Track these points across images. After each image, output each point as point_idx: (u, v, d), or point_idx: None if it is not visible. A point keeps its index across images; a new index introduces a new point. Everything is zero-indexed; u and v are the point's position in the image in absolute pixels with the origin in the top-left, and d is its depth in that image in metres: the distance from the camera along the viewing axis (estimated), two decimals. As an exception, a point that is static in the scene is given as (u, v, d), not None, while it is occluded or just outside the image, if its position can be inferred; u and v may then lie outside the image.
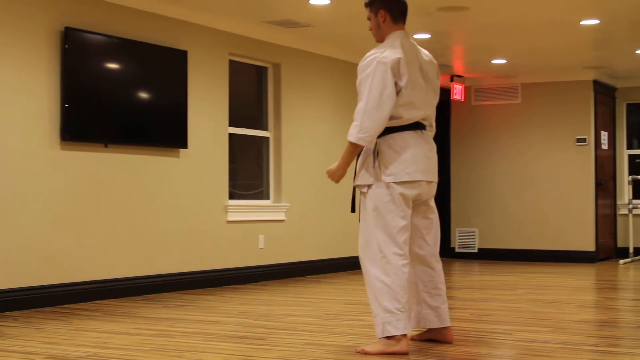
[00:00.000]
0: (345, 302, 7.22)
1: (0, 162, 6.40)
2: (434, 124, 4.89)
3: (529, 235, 12.16)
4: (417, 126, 4.68)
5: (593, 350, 4.79)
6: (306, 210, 9.56)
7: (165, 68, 7.83)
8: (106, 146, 7.22)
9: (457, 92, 12.11)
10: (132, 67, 7.51)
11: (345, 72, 10.28)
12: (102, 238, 7.16)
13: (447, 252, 12.69)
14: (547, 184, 12.08)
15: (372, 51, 4.67)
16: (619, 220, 12.66)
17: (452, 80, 12.03)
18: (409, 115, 4.62)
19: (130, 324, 5.70)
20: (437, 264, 4.93)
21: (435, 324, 4.84)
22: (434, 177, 4.76)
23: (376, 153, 4.59)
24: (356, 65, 10.69)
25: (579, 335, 5.29)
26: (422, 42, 9.58)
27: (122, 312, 6.34)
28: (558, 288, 8.44)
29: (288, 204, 9.27)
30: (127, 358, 4.51)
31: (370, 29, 4.80)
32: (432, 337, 4.92)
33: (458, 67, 11.55)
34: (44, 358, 4.52)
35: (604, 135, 12.28)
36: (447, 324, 4.86)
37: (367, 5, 4.73)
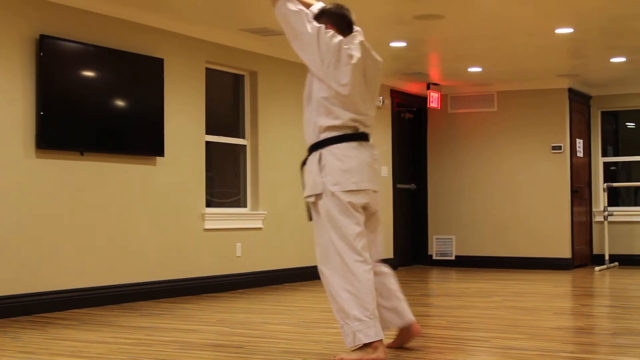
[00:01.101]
0: (323, 309, 7.21)
1: (-25, 171, 6.36)
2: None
3: (505, 243, 12.21)
4: (360, 137, 4.70)
5: (570, 357, 4.82)
6: (283, 218, 9.55)
7: (142, 76, 7.81)
8: (82, 154, 7.19)
9: (434, 100, 12.15)
10: (108, 75, 7.49)
11: (322, 80, 10.27)
12: (78, 246, 7.12)
13: (425, 259, 12.71)
14: (523, 191, 12.14)
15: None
16: (595, 227, 12.73)
17: (428, 88, 12.07)
18: (347, 117, 4.61)
19: (107, 333, 5.67)
20: (384, 267, 4.91)
21: (397, 323, 4.86)
22: (378, 187, 4.78)
23: (321, 163, 4.59)
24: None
25: (555, 342, 5.31)
26: (398, 50, 9.63)
27: (99, 321, 6.31)
28: (534, 295, 8.47)
29: (265, 212, 9.26)
30: (103, 367, 4.49)
31: None
32: (403, 340, 4.96)
33: (434, 75, 11.59)
34: (20, 368, 4.49)
35: (579, 142, 12.36)
36: (410, 319, 4.88)
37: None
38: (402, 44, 9.31)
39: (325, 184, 4.54)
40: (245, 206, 9.24)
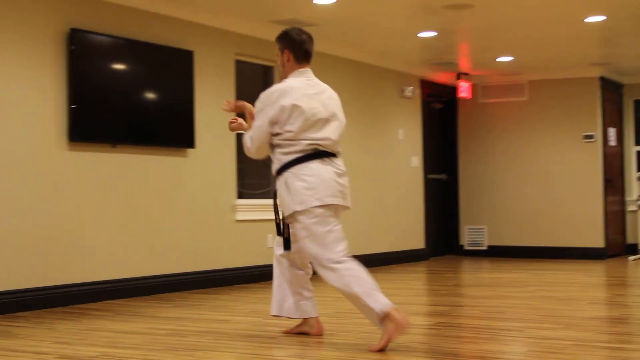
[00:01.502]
0: (355, 300, 7.20)
1: (10, 164, 6.41)
2: (339, 149, 5.16)
3: (538, 232, 12.14)
4: (323, 154, 4.95)
5: (604, 346, 4.78)
6: (314, 210, 9.54)
7: (172, 68, 7.84)
8: (114, 147, 7.23)
9: (464, 89, 12.09)
10: (139, 67, 7.52)
11: (351, 71, 10.27)
12: (110, 238, 7.16)
13: (456, 249, 12.67)
14: (555, 180, 12.06)
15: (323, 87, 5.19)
16: (628, 216, 12.63)
17: (458, 78, 12.01)
18: (309, 142, 4.90)
19: (141, 324, 5.70)
20: (309, 268, 5.31)
21: (312, 313, 5.18)
22: (347, 202, 5.05)
23: (287, 185, 4.83)
24: (362, 64, 10.68)
25: (590, 332, 5.28)
26: (427, 40, 9.59)
27: (133, 312, 6.34)
28: (568, 285, 8.42)
29: (296, 203, 9.25)
30: (138, 357, 4.51)
31: (279, 65, 5.17)
32: (305, 330, 5.18)
33: (464, 65, 11.53)
34: (56, 358, 4.53)
35: (612, 131, 12.25)
36: (317, 314, 5.24)
37: (277, 42, 5.11)
38: (432, 34, 9.27)
39: (294, 203, 4.80)
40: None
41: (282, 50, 5.11)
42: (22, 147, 6.48)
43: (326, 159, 4.96)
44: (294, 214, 4.82)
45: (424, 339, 5.21)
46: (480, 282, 8.99)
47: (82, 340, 5.14)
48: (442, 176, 12.59)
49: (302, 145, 4.88)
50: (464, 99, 12.41)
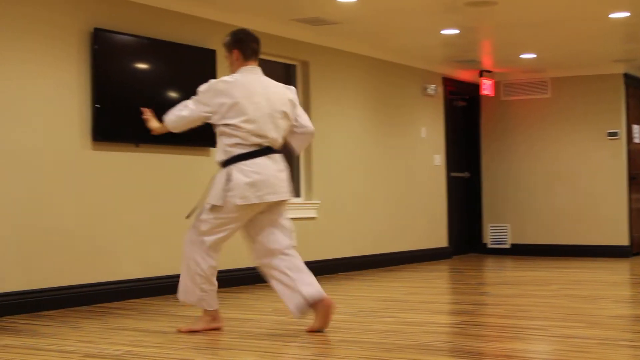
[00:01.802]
0: (378, 298, 7.21)
1: (33, 164, 6.45)
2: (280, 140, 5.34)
3: (562, 231, 12.08)
4: (268, 151, 5.20)
5: (629, 345, 4.75)
6: (337, 208, 9.55)
7: (194, 67, 7.85)
8: (137, 146, 7.25)
9: (486, 87, 12.04)
10: (161, 67, 7.54)
11: (373, 69, 10.26)
12: (134, 237, 7.19)
13: (479, 247, 12.63)
14: (579, 178, 12.00)
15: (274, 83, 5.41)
16: (653, 214, 12.54)
17: (481, 75, 11.96)
18: (251, 138, 5.15)
19: (165, 322, 5.72)
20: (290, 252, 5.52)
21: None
22: (286, 195, 5.33)
23: (228, 179, 5.13)
24: (385, 61, 10.68)
25: (615, 331, 5.24)
26: (450, 38, 9.56)
27: (157, 311, 6.36)
28: (593, 283, 8.37)
29: (319, 202, 9.26)
30: (162, 356, 4.53)
31: (228, 65, 5.44)
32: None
33: (487, 62, 11.49)
34: (80, 357, 4.55)
35: (636, 128, 12.17)
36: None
37: (224, 46, 5.41)
38: (454, 32, 9.24)
39: (231, 198, 5.10)
40: (299, 196, 9.26)
41: (230, 51, 5.37)
42: (47, 146, 6.51)
43: (270, 156, 5.20)
44: (229, 205, 5.11)
45: (448, 337, 5.19)
46: (504, 280, 8.96)
47: (106, 339, 5.16)
48: (465, 174, 12.55)
49: (249, 141, 5.14)
50: (487, 97, 12.36)
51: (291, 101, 5.39)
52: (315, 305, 5.21)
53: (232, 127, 5.15)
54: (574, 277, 8.95)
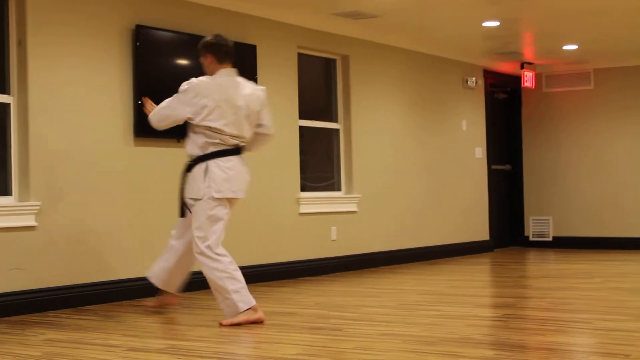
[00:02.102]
0: (420, 292, 7.20)
1: (77, 160, 6.52)
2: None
3: (605, 223, 11.96)
4: (240, 150, 5.55)
5: (676, 337, 4.70)
6: (378, 201, 9.55)
7: (235, 63, 7.84)
8: (178, 141, 7.28)
9: (528, 79, 11.95)
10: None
11: (413, 62, 10.23)
12: (177, 232, 7.23)
13: (521, 240, 12.55)
14: (623, 170, 11.87)
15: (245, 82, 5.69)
16: (698, 206, 12.37)
17: (522, 67, 11.87)
18: (230, 140, 5.49)
19: (207, 317, 5.76)
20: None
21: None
22: (245, 195, 5.67)
23: (206, 173, 5.43)
24: (425, 55, 10.64)
25: (660, 323, 5.19)
26: (491, 30, 9.50)
27: (199, 305, 6.41)
28: (637, 275, 8.30)
29: (360, 195, 9.27)
30: (206, 350, 4.56)
31: (204, 69, 5.70)
32: (170, 301, 5.98)
33: (528, 54, 11.40)
34: (125, 350, 4.60)
35: (681, 119, 12.02)
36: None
37: (198, 50, 5.69)
38: (495, 23, 9.18)
39: (207, 190, 5.40)
40: (339, 190, 9.27)
41: (204, 55, 5.65)
42: (91, 142, 6.57)
43: (241, 155, 5.56)
44: (206, 198, 5.39)
45: (490, 331, 5.18)
46: (546, 273, 8.90)
47: (150, 333, 5.22)
48: (506, 167, 12.47)
49: (229, 142, 5.46)
50: (528, 89, 12.26)
51: (262, 102, 5.71)
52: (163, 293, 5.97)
53: (213, 130, 5.43)
54: (617, 270, 8.87)
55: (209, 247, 5.44)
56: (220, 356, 4.41)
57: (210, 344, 4.75)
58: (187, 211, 5.62)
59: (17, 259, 6.09)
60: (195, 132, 5.53)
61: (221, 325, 5.32)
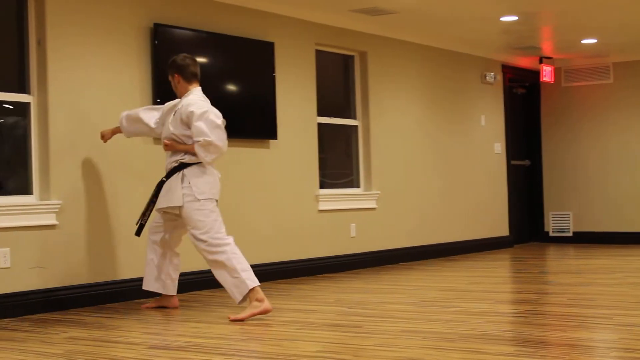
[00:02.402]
0: (440, 288, 7.19)
1: (97, 159, 6.54)
2: None
3: (626, 218, 11.90)
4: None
5: (698, 333, 4.68)
6: (397, 198, 9.54)
7: (253, 60, 7.90)
8: (198, 139, 7.30)
9: (547, 74, 11.90)
10: (220, 60, 7.60)
11: (431, 59, 10.21)
12: (196, 230, 7.25)
13: (541, 236, 12.51)
14: (642, 164, 11.81)
15: (185, 102, 5.88)
16: None
17: (541, 62, 11.82)
18: None
19: (228, 314, 5.76)
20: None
21: (173, 292, 6.19)
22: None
23: (184, 180, 5.79)
24: (443, 50, 10.59)
25: (682, 318, 5.16)
26: (509, 25, 9.47)
27: (219, 303, 6.42)
28: (658, 271, 8.25)
29: (379, 192, 9.26)
30: (226, 347, 4.57)
31: (173, 87, 6.05)
32: (164, 304, 6.19)
33: (547, 49, 11.35)
34: (146, 348, 4.62)
35: (701, 113, 11.93)
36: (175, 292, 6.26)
37: (167, 69, 6.05)
38: (514, 18, 9.14)
39: (189, 195, 5.76)
40: (358, 186, 9.26)
41: (172, 75, 5.98)
42: (110, 141, 6.56)
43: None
44: (191, 201, 5.73)
45: (511, 327, 5.17)
46: (567, 268, 8.87)
47: (170, 330, 5.24)
48: (526, 162, 12.43)
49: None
50: (547, 83, 12.21)
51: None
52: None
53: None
54: (638, 265, 8.82)
55: (215, 238, 5.79)
56: (241, 354, 4.42)
57: (230, 341, 4.77)
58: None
59: (39, 258, 6.13)
60: (182, 142, 5.90)
61: (230, 320, 5.47)
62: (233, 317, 5.51)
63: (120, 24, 6.78)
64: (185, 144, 5.81)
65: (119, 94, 6.74)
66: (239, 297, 5.64)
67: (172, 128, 5.87)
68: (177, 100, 6.04)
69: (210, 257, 5.74)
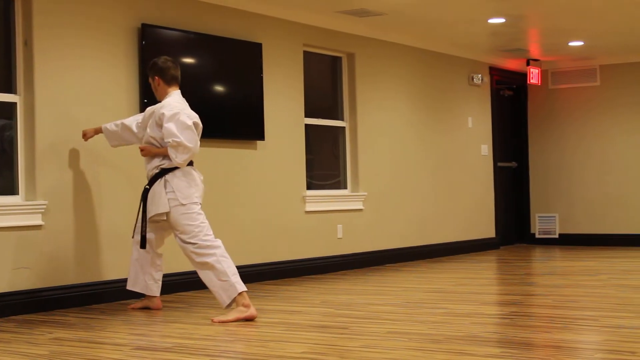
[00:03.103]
0: (426, 290, 7.20)
1: (83, 159, 6.53)
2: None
3: (610, 220, 11.94)
4: (192, 163, 5.99)
5: (682, 335, 4.70)
6: (383, 199, 9.55)
7: (241, 61, 7.89)
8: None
9: (534, 76, 11.94)
10: (208, 61, 7.59)
11: (419, 60, 10.23)
12: (183, 231, 7.23)
13: (527, 238, 12.54)
14: (629, 166, 11.85)
15: (160, 104, 5.93)
16: None
17: (528, 64, 11.86)
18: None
19: (214, 315, 5.76)
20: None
21: (156, 293, 6.18)
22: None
23: (166, 187, 5.80)
24: (431, 52, 10.61)
25: (667, 320, 5.18)
26: (496, 27, 9.49)
27: (205, 304, 6.42)
28: (643, 273, 8.28)
29: (365, 193, 9.27)
30: (213, 348, 4.57)
31: (153, 89, 6.08)
32: (148, 305, 6.18)
33: (534, 51, 11.39)
34: (132, 349, 4.61)
35: (687, 115, 11.99)
36: (159, 294, 6.25)
37: (147, 71, 6.09)
38: (501, 20, 9.17)
39: (173, 200, 5.77)
40: (345, 188, 9.27)
41: (152, 78, 6.01)
42: (97, 141, 6.57)
43: (194, 167, 5.98)
44: (177, 206, 5.74)
45: (496, 328, 5.18)
46: (552, 270, 8.90)
47: (156, 331, 5.23)
48: (512, 164, 12.46)
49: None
50: (534, 86, 12.25)
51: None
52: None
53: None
54: (623, 267, 8.86)
55: (204, 240, 5.81)
56: (227, 355, 4.42)
57: (216, 342, 4.76)
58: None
59: (24, 258, 6.11)
60: (162, 146, 5.94)
61: (213, 322, 5.48)
62: (217, 319, 5.51)
63: (108, 24, 6.77)
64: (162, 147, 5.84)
65: (106, 95, 6.73)
66: (227, 301, 5.63)
67: (150, 131, 5.90)
68: (159, 104, 6.06)
69: (199, 259, 5.72)
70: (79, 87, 6.54)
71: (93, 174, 6.61)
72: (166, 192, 5.77)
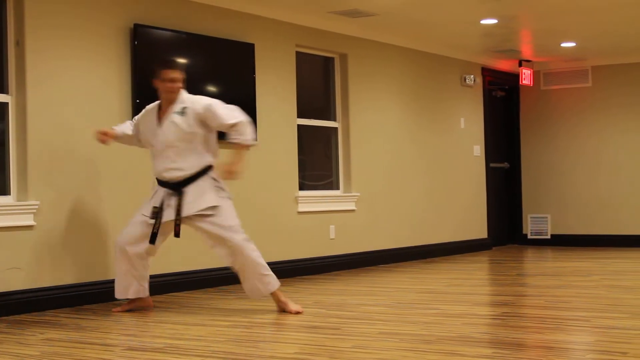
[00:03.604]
0: (419, 290, 7.20)
1: (76, 159, 6.52)
2: None
3: (603, 221, 11.96)
4: None
5: (673, 335, 4.71)
6: (376, 200, 9.55)
7: (233, 61, 7.89)
8: (177, 140, 7.28)
9: (526, 77, 11.96)
10: (201, 61, 7.58)
11: (411, 61, 10.23)
12: (175, 231, 7.22)
13: (519, 238, 12.56)
14: (620, 167, 11.87)
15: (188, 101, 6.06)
16: (696, 203, 12.37)
17: (520, 65, 11.88)
18: None
19: (205, 316, 5.76)
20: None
21: (147, 292, 6.19)
22: None
23: (215, 182, 5.97)
24: (423, 53, 10.61)
25: (658, 321, 5.19)
26: (489, 28, 9.51)
27: (197, 304, 6.41)
28: (634, 273, 8.30)
29: (358, 194, 9.27)
30: (203, 349, 4.57)
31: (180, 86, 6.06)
32: (140, 305, 6.14)
33: (526, 52, 11.40)
34: (123, 350, 4.60)
35: (679, 117, 12.01)
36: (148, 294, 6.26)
37: (177, 68, 6.07)
38: (493, 21, 9.18)
39: (224, 193, 5.99)
40: (337, 188, 9.27)
41: (181, 75, 6.05)
42: (89, 141, 6.56)
43: None
44: (226, 198, 5.96)
45: (488, 329, 5.18)
46: (544, 271, 8.91)
47: (147, 332, 5.22)
48: (505, 165, 12.47)
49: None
50: (526, 86, 12.27)
51: None
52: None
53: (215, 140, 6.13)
54: (615, 268, 8.87)
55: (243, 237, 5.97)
56: (218, 355, 4.41)
57: (207, 343, 4.76)
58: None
59: (16, 259, 6.10)
60: (194, 144, 6.04)
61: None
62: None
63: (100, 24, 6.76)
64: (192, 143, 5.94)
65: (98, 95, 6.72)
66: (266, 293, 5.90)
67: (186, 127, 5.92)
68: (156, 103, 6.08)
69: (247, 252, 5.88)
70: (71, 87, 6.53)
71: (85, 174, 6.60)
72: (215, 186, 5.93)
